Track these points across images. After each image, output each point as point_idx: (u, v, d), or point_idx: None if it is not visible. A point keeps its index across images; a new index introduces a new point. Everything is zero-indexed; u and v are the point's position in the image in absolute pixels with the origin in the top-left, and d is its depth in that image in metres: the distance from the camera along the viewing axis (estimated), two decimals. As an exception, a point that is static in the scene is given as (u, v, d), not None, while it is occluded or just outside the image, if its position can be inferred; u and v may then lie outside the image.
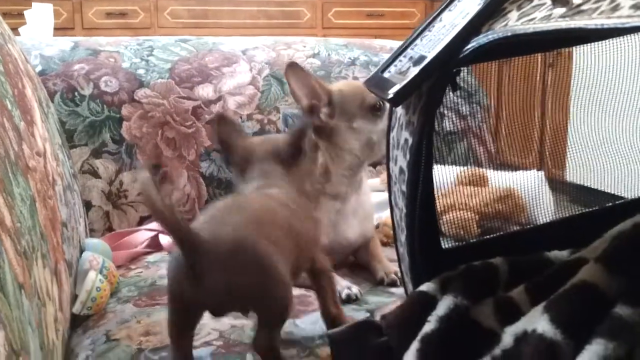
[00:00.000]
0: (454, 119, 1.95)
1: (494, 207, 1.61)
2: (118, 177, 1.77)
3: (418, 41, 0.95)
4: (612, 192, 1.31)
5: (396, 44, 2.08)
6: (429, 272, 0.92)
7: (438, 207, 1.68)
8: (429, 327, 0.82)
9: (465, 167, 1.72)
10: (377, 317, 1.28)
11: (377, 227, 1.63)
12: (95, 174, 1.76)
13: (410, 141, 0.92)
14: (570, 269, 0.83)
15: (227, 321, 1.24)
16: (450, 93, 0.90)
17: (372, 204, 1.53)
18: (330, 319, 1.14)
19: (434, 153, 0.91)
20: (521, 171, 1.84)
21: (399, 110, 0.98)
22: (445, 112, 1.96)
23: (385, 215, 1.67)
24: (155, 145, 1.80)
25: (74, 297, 1.35)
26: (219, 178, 1.80)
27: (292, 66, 1.42)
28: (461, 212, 1.45)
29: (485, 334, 0.82)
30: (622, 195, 1.25)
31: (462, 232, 1.20)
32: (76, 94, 1.79)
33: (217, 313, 0.99)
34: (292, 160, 1.16)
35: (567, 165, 1.74)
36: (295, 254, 1.02)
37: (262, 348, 0.96)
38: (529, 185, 1.66)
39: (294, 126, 1.23)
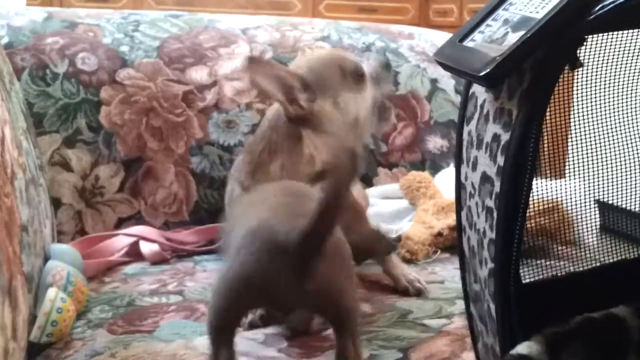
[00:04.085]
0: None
1: (536, 222, 1.33)
2: (93, 171, 1.50)
3: (513, -1, 0.67)
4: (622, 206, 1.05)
5: (416, 30, 1.80)
6: (521, 320, 0.64)
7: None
8: (545, 413, 0.54)
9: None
10: (412, 358, 1.02)
11: (399, 240, 1.35)
12: (66, 166, 1.49)
13: (504, 138, 0.64)
14: None
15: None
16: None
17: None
18: None
19: (536, 156, 0.63)
20: (562, 179, 1.57)
21: (481, 95, 0.69)
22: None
23: (406, 227, 1.39)
24: (138, 135, 1.53)
25: (34, 319, 1.07)
26: (211, 176, 1.52)
27: (253, 61, 1.19)
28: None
29: None
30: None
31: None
32: (48, 71, 1.52)
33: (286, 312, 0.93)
34: None
35: (566, 174, 1.48)
36: None
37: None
38: (573, 197, 1.40)
39: None
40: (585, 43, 0.62)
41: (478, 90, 0.70)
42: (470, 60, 0.65)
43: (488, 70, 0.61)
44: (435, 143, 1.64)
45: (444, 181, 1.49)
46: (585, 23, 0.60)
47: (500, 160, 0.64)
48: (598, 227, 1.16)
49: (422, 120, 1.65)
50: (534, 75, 0.62)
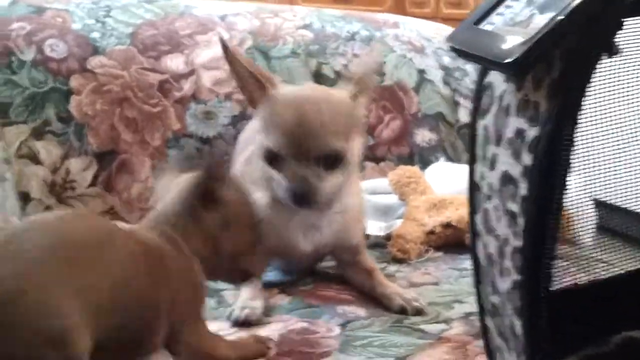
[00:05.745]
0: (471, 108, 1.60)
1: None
2: (64, 164, 1.40)
3: (538, -23, 0.59)
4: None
5: (401, 19, 1.72)
6: (552, 338, 0.56)
7: (463, 217, 1.33)
8: None
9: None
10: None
11: (389, 239, 1.28)
12: (35, 159, 1.39)
13: (530, 133, 0.56)
14: None
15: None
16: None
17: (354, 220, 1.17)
18: None
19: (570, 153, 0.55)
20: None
21: (500, 85, 0.62)
22: (461, 100, 1.61)
23: (397, 224, 1.31)
24: (111, 126, 1.43)
25: None
26: (189, 170, 1.42)
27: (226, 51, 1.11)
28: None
29: None
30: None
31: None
32: (14, 59, 1.41)
33: None
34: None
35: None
36: (142, 319, 0.76)
37: None
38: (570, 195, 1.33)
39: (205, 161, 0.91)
40: (621, 27, 0.54)
41: (495, 79, 0.62)
42: (491, 45, 0.57)
43: (516, 56, 0.53)
44: (424, 136, 1.56)
45: (434, 176, 1.42)
46: (626, 4, 0.52)
47: (527, 158, 0.56)
48: (595, 226, 1.09)
49: (409, 112, 1.57)
50: (567, 63, 0.54)
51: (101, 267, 0.71)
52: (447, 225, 1.28)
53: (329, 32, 1.60)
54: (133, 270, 0.75)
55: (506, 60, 0.53)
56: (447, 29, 1.74)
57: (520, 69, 0.54)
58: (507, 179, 0.59)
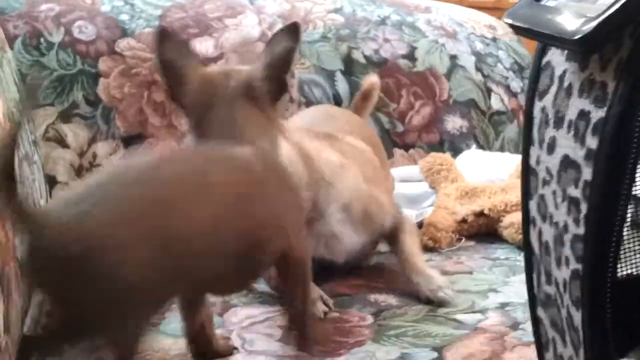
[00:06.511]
0: (503, 95, 1.57)
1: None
2: (91, 148, 1.38)
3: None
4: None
5: (433, 4, 1.69)
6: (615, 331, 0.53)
7: (495, 205, 1.30)
8: None
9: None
10: (447, 358, 0.91)
11: (420, 226, 1.24)
12: (62, 142, 1.37)
13: (596, 115, 0.53)
14: None
15: None
16: None
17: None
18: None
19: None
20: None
21: (560, 64, 0.58)
22: (494, 87, 1.57)
23: (427, 212, 1.28)
24: (139, 110, 1.41)
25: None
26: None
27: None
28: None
29: None
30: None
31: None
32: (42, 40, 1.39)
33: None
34: (271, 100, 0.85)
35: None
36: (240, 252, 0.74)
37: None
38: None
39: (274, 50, 0.85)
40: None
41: (555, 59, 0.59)
42: (556, 22, 0.53)
43: (585, 33, 0.49)
44: (455, 123, 1.53)
45: (466, 164, 1.38)
46: None
47: (591, 141, 0.53)
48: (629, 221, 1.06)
49: (440, 99, 1.53)
50: (638, 42, 0.50)
51: (189, 218, 0.69)
52: (480, 214, 1.25)
53: (359, 16, 1.57)
54: (228, 213, 0.72)
55: (575, 37, 0.50)
56: (480, 15, 1.70)
57: (589, 46, 0.51)
58: (568, 163, 0.55)
